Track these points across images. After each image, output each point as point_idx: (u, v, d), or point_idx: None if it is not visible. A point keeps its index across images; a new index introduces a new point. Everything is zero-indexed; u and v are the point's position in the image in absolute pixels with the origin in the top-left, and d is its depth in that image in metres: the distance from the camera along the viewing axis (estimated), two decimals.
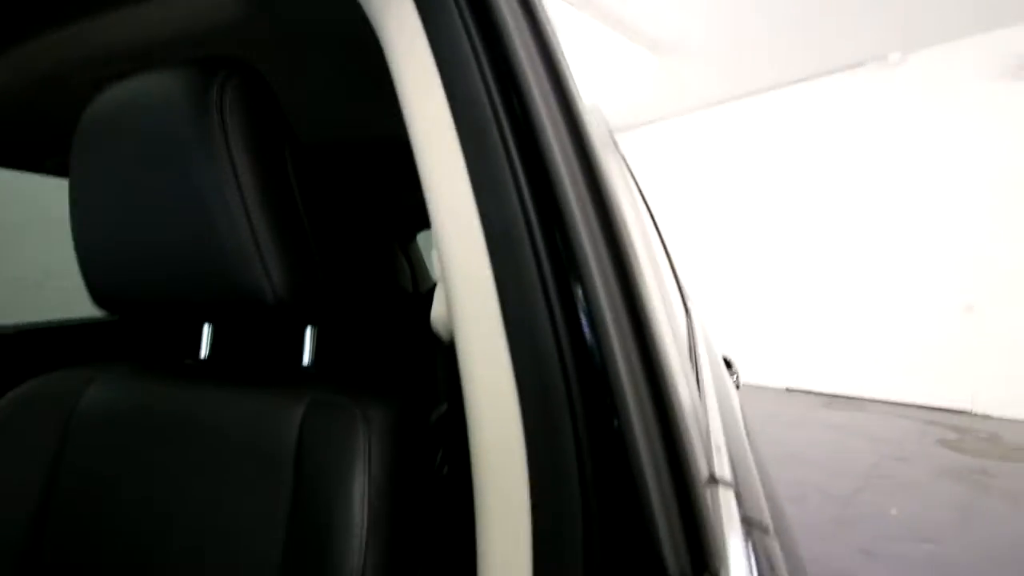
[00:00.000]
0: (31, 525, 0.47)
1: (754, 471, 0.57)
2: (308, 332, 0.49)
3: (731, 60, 3.97)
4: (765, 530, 0.36)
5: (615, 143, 1.29)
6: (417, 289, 2.08)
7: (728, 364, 1.34)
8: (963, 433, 3.37)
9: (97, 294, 0.48)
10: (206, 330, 0.54)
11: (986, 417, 3.64)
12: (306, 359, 0.48)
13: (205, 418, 0.44)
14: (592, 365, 0.25)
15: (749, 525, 0.31)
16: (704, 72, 4.16)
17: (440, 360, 0.40)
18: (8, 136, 1.07)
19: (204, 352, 0.54)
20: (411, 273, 2.07)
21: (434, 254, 0.37)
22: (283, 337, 0.58)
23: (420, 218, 2.03)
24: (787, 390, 4.56)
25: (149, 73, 0.43)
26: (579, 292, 0.26)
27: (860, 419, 3.73)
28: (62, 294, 0.86)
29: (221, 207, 0.38)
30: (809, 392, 4.45)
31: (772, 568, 0.31)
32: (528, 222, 0.27)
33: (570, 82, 0.32)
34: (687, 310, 1.22)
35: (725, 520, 0.27)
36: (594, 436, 0.24)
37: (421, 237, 2.22)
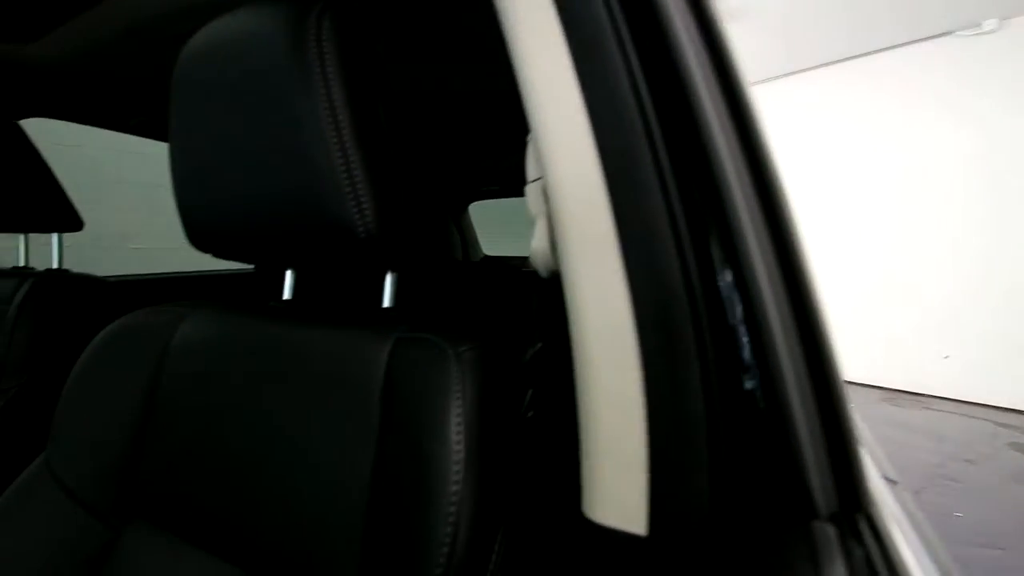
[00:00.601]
0: (131, 446, 0.50)
1: None
2: (388, 277, 0.49)
3: (802, 28, 3.71)
4: (894, 482, 0.34)
5: None
6: (468, 260, 2.09)
7: None
8: None
9: (193, 234, 0.49)
10: (288, 275, 0.56)
11: None
12: (386, 302, 0.48)
13: (293, 350, 0.45)
14: (721, 302, 0.23)
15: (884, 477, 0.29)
16: (776, 41, 3.91)
17: (535, 299, 0.39)
18: (96, 94, 1.13)
19: (287, 295, 0.56)
20: (463, 245, 2.07)
21: (530, 189, 0.36)
22: (361, 283, 0.59)
23: (473, 190, 2.03)
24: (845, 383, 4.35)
25: (245, 8, 0.43)
26: (718, 225, 0.24)
27: (924, 417, 3.53)
28: (138, 253, 0.92)
29: (317, 139, 0.38)
30: (868, 386, 4.24)
31: (911, 517, 0.29)
32: (654, 148, 0.25)
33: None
34: None
35: (867, 463, 0.25)
36: (726, 376, 0.23)
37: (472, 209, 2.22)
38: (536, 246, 0.32)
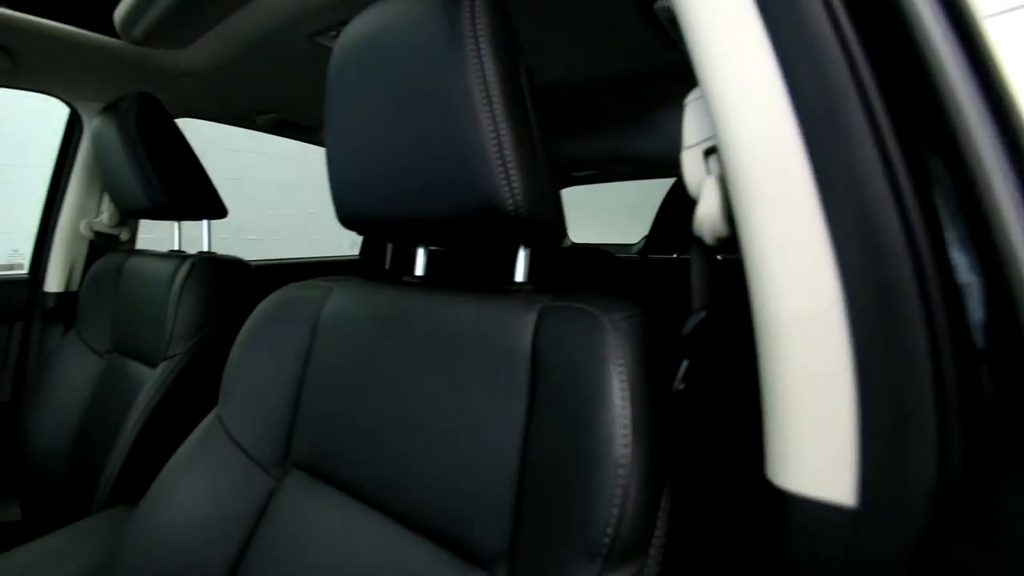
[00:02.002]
0: (289, 406, 0.56)
1: None
2: (522, 252, 0.50)
3: None
4: None
5: None
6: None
7: None
8: None
9: (343, 214, 0.53)
10: (420, 253, 0.59)
11: None
12: (520, 277, 0.50)
13: (435, 320, 0.47)
14: (949, 262, 0.21)
15: None
16: None
17: (698, 268, 0.38)
18: (230, 94, 1.25)
19: (419, 270, 0.59)
20: None
21: (688, 155, 0.35)
22: (490, 259, 0.61)
23: (565, 175, 2.02)
24: None
25: None
26: (946, 167, 0.21)
27: None
28: (249, 243, 1.02)
29: (470, 115, 0.40)
30: None
31: None
32: (861, 88, 0.23)
33: None
34: None
35: None
36: (958, 340, 0.21)
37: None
38: (704, 211, 0.31)
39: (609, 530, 0.30)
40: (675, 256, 1.59)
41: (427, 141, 0.43)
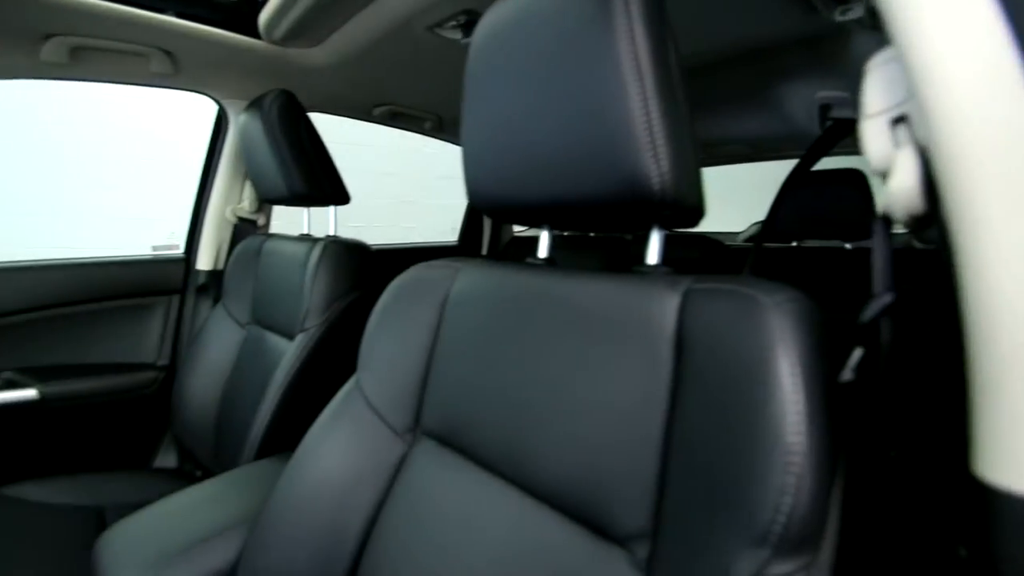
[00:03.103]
0: (421, 377, 0.59)
1: None
2: (655, 234, 0.49)
3: None
4: None
5: None
6: None
7: None
8: None
9: (476, 197, 0.55)
10: (545, 235, 0.60)
11: None
12: (653, 259, 0.49)
13: (570, 299, 0.48)
14: None
15: None
16: None
17: (881, 249, 0.35)
18: (352, 88, 1.33)
19: (544, 253, 0.59)
20: None
21: (871, 124, 0.32)
22: (614, 242, 0.60)
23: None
24: None
25: None
26: None
27: None
28: (352, 232, 1.10)
29: (619, 90, 0.39)
30: None
31: None
32: None
33: None
34: None
35: None
36: None
37: None
38: (899, 186, 0.28)
39: (781, 518, 0.29)
40: (794, 245, 1.48)
41: (569, 121, 0.43)
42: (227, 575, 0.62)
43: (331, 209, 1.14)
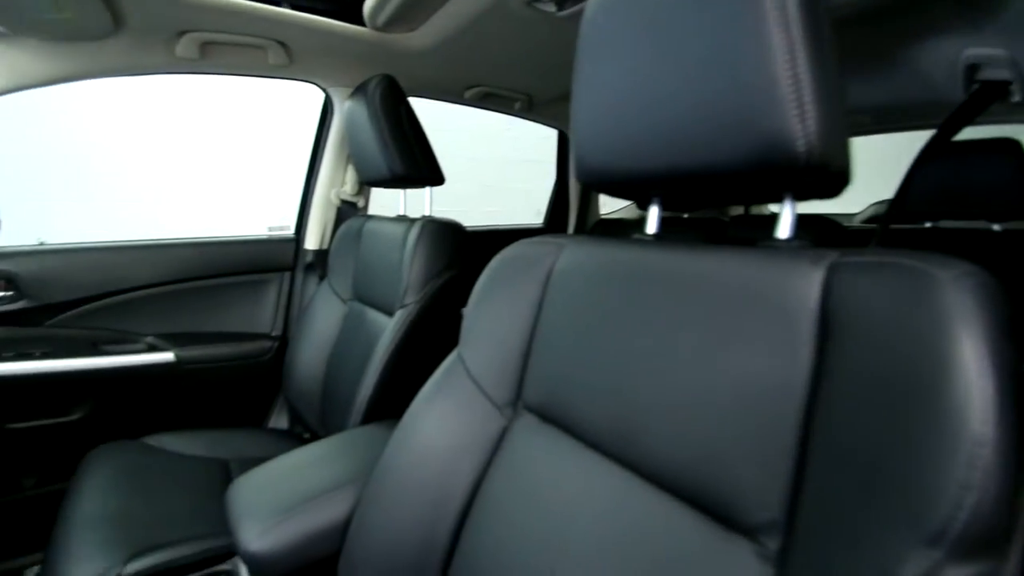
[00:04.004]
0: (522, 353, 0.59)
1: None
2: (788, 205, 0.45)
3: None
4: None
5: None
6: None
7: None
8: None
9: (583, 171, 0.53)
10: (654, 210, 0.57)
11: None
12: (785, 233, 0.44)
13: (687, 275, 0.45)
14: None
15: None
16: None
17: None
18: (445, 71, 1.35)
19: (653, 229, 0.57)
20: None
21: None
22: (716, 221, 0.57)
23: None
24: None
25: None
26: None
27: None
28: (439, 215, 1.11)
29: (762, 42, 0.36)
30: None
31: None
32: None
33: None
34: None
35: None
36: None
37: None
38: None
39: (961, 516, 0.26)
40: (928, 226, 1.31)
41: (698, 80, 0.40)
42: (339, 527, 0.66)
43: (427, 190, 1.17)
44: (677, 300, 0.45)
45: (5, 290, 1.22)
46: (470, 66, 1.33)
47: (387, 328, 1.00)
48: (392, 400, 0.97)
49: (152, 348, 1.33)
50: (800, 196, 0.44)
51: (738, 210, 2.15)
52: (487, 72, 1.39)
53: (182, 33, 1.09)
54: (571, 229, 2.05)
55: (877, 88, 1.32)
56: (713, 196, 0.51)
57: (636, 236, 0.57)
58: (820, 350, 0.35)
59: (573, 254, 0.58)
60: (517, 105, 1.64)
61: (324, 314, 1.30)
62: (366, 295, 1.19)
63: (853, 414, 0.32)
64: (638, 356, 0.47)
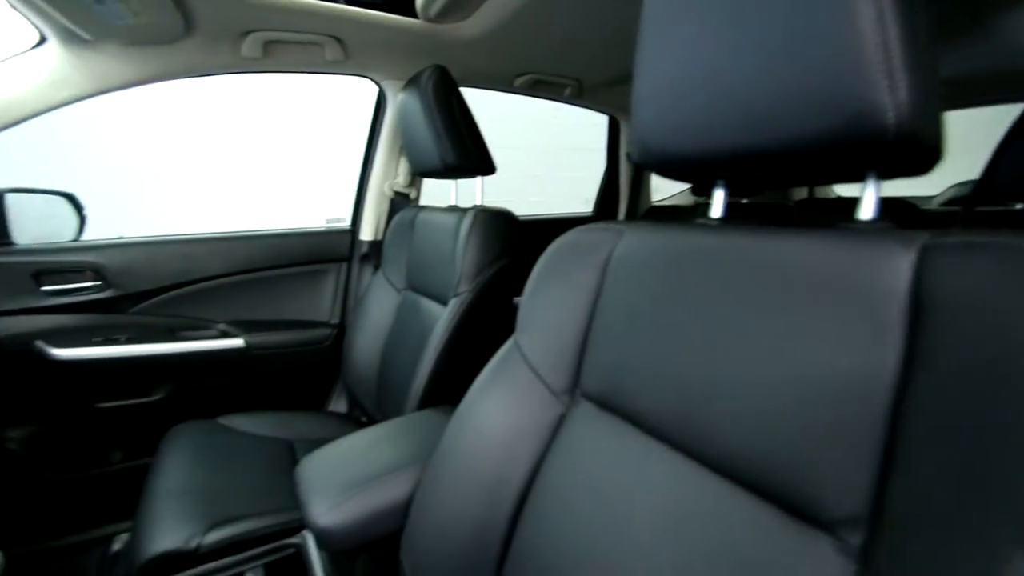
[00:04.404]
0: (579, 340, 0.59)
1: None
2: (872, 183, 0.42)
3: None
4: None
5: None
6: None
7: None
8: None
9: (642, 152, 0.52)
10: (719, 193, 0.55)
11: None
12: (869, 214, 0.42)
13: (760, 259, 0.43)
14: None
15: None
16: None
17: None
18: (495, 59, 1.35)
19: (718, 213, 0.55)
20: None
21: None
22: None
23: None
24: None
25: None
26: None
27: None
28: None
29: (848, 6, 0.33)
30: None
31: None
32: None
33: None
34: None
35: None
36: None
37: None
38: None
39: None
40: (1020, 208, 1.20)
41: (773, 52, 0.38)
42: (401, 506, 0.68)
43: (478, 180, 1.18)
44: (746, 286, 0.43)
45: (93, 280, 1.32)
46: (520, 53, 1.33)
47: (441, 317, 1.02)
48: (447, 387, 0.99)
49: (224, 334, 1.42)
50: (885, 174, 0.41)
51: (801, 194, 2.04)
52: (537, 59, 1.37)
53: (247, 33, 1.14)
54: (621, 217, 2.01)
55: (960, 57, 1.21)
56: (785, 176, 0.48)
57: (700, 221, 0.56)
58: (911, 336, 0.33)
59: (633, 240, 0.57)
60: (567, 91, 1.62)
61: (379, 303, 1.34)
62: (419, 284, 1.22)
63: (951, 404, 0.30)
64: (704, 344, 0.45)
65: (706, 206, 0.56)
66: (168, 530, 0.86)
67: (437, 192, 1.29)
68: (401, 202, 1.56)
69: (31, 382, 1.25)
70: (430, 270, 1.16)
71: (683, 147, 0.48)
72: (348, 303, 1.59)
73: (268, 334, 1.46)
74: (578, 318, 0.59)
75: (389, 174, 1.53)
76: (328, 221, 1.71)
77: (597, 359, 0.57)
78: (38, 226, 1.39)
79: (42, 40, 1.05)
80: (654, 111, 0.50)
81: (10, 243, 1.32)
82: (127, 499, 1.26)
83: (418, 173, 1.35)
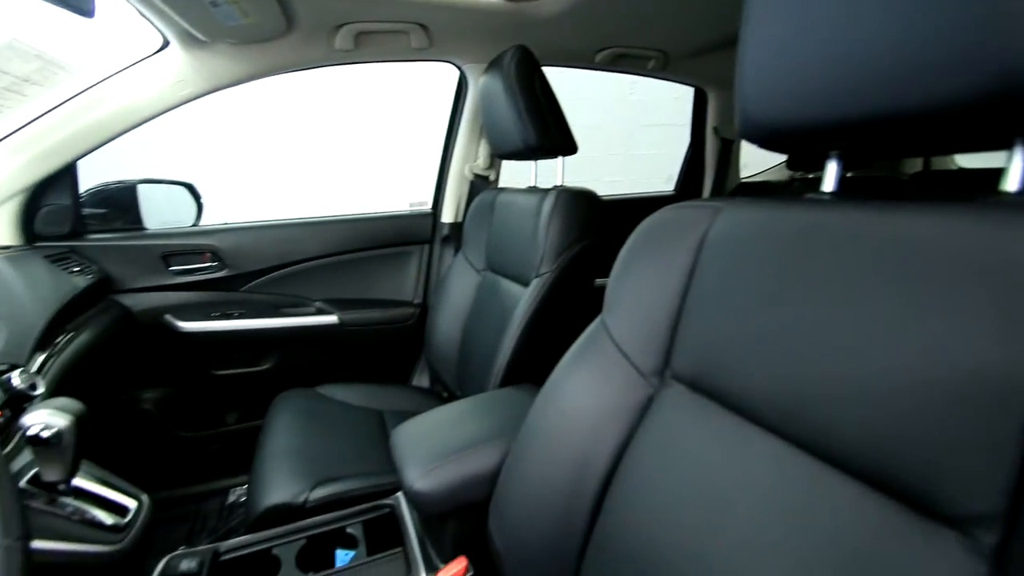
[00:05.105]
0: (671, 321, 0.58)
1: None
2: (1020, 149, 0.37)
3: None
4: None
5: None
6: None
7: None
8: None
9: (750, 124, 0.49)
10: (833, 165, 0.51)
11: None
12: (1016, 185, 0.37)
13: (886, 236, 0.40)
14: None
15: None
16: None
17: None
18: (574, 36, 1.32)
19: (831, 186, 0.51)
20: None
21: None
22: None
23: None
24: None
25: None
26: None
27: None
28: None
29: None
30: None
31: None
32: None
33: None
34: None
35: None
36: None
37: None
38: None
39: None
40: None
41: (901, 6, 0.35)
42: (488, 477, 0.72)
43: (560, 160, 1.17)
44: (868, 265, 0.40)
45: (211, 261, 1.48)
46: (602, 27, 1.29)
47: (522, 297, 1.04)
48: (528, 366, 1.01)
49: (320, 311, 1.53)
50: None
51: (915, 166, 1.83)
52: (620, 32, 1.33)
53: (340, 26, 1.20)
54: (706, 195, 1.92)
55: None
56: (910, 145, 0.44)
57: (809, 196, 0.52)
58: None
59: (732, 217, 0.54)
60: (651, 64, 1.56)
61: (459, 284, 1.38)
62: (499, 265, 1.24)
63: None
64: (814, 326, 0.43)
65: (804, 181, 0.52)
66: (280, 485, 0.96)
67: (514, 175, 1.30)
68: (481, 184, 1.59)
69: (161, 351, 1.43)
70: (510, 251, 1.18)
71: (794, 116, 0.45)
72: (430, 284, 1.65)
73: (358, 312, 1.56)
74: (670, 299, 0.58)
75: (469, 157, 1.56)
76: (411, 205, 1.78)
77: (691, 341, 0.55)
78: (163, 213, 1.57)
79: (165, 44, 1.17)
80: (761, 78, 0.47)
81: (142, 228, 1.50)
82: (241, 457, 1.42)
83: (498, 155, 1.36)
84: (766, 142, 0.51)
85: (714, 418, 0.51)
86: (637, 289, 0.62)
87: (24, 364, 0.83)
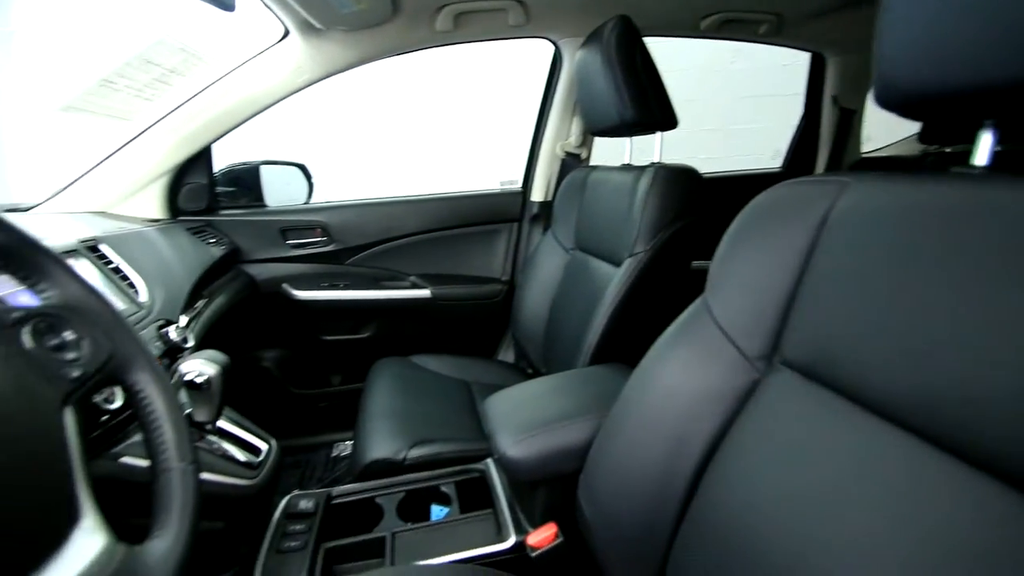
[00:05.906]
0: (782, 304, 0.54)
1: None
2: None
3: None
4: None
5: None
6: None
7: None
8: None
9: (892, 91, 0.45)
10: (987, 136, 0.45)
11: None
12: None
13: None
14: None
15: None
16: None
17: None
18: (678, 6, 1.25)
19: (984, 160, 0.45)
20: None
21: None
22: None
23: None
24: None
25: None
26: None
27: None
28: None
29: None
30: None
31: None
32: None
33: None
34: None
35: None
36: None
37: None
38: None
39: None
40: None
41: None
42: (579, 451, 0.73)
43: (658, 135, 1.13)
44: (998, 250, 0.36)
45: (320, 236, 1.61)
46: None
47: (614, 277, 1.02)
48: (619, 345, 1.01)
49: (415, 285, 1.62)
50: None
51: None
52: None
53: (440, 8, 1.23)
54: (820, 171, 1.76)
55: None
56: None
57: (956, 170, 0.47)
58: None
59: (862, 193, 0.50)
60: (763, 28, 1.44)
61: (548, 262, 1.39)
62: (589, 245, 1.23)
63: None
64: (959, 314, 0.39)
65: (940, 156, 0.47)
66: (381, 442, 1.04)
67: (604, 153, 1.27)
68: (572, 163, 1.57)
69: (278, 316, 1.59)
70: (602, 230, 1.16)
71: (944, 79, 0.40)
72: (518, 261, 1.68)
73: (449, 287, 1.63)
74: (783, 280, 0.55)
75: (561, 135, 1.54)
76: (502, 183, 1.81)
77: (805, 326, 0.52)
78: (280, 192, 1.72)
79: (285, 34, 1.27)
80: (905, 37, 0.42)
81: (264, 205, 1.66)
82: (344, 415, 1.55)
83: (592, 132, 1.34)
84: (908, 110, 0.46)
85: (832, 409, 0.48)
86: (745, 269, 0.59)
87: (176, 321, 0.96)
